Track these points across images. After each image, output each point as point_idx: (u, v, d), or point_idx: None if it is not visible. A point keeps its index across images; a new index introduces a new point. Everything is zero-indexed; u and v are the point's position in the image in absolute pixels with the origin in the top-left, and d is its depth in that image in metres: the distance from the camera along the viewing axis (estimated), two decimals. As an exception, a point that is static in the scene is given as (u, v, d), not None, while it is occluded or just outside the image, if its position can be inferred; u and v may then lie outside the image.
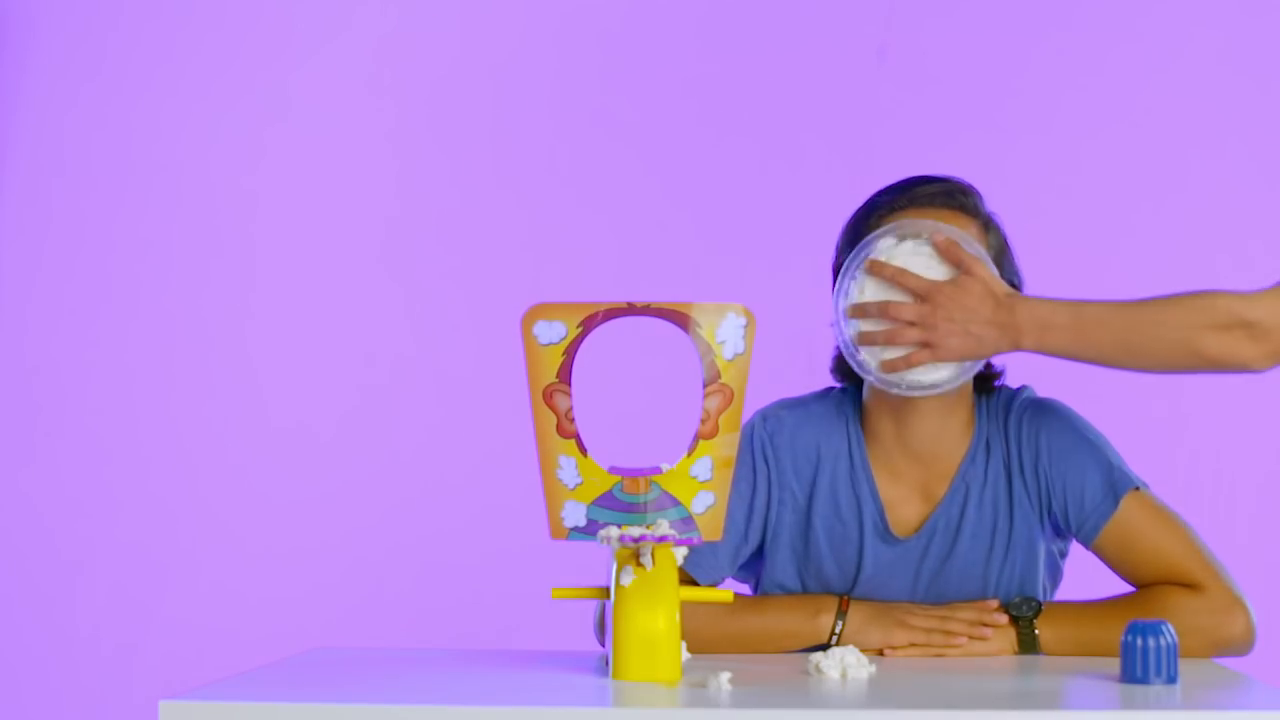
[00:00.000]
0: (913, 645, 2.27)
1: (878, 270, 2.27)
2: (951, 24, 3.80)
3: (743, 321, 2.00)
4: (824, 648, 2.26)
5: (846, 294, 2.30)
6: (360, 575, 3.81)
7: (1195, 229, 3.75)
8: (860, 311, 2.28)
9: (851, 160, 3.66)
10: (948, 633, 2.27)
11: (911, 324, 2.25)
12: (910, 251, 2.28)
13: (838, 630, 2.30)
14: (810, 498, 2.39)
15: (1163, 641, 1.94)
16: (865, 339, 2.28)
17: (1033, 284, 2.40)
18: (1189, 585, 2.30)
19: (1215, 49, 3.76)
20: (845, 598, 2.33)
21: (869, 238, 2.31)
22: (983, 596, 2.36)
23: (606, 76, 3.86)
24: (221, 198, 3.88)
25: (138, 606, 3.84)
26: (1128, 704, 1.85)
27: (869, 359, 2.29)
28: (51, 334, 3.88)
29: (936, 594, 2.37)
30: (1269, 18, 3.75)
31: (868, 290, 2.29)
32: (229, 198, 3.88)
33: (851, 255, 2.31)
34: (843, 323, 2.30)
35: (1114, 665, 2.01)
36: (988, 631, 2.27)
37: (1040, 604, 2.30)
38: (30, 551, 3.87)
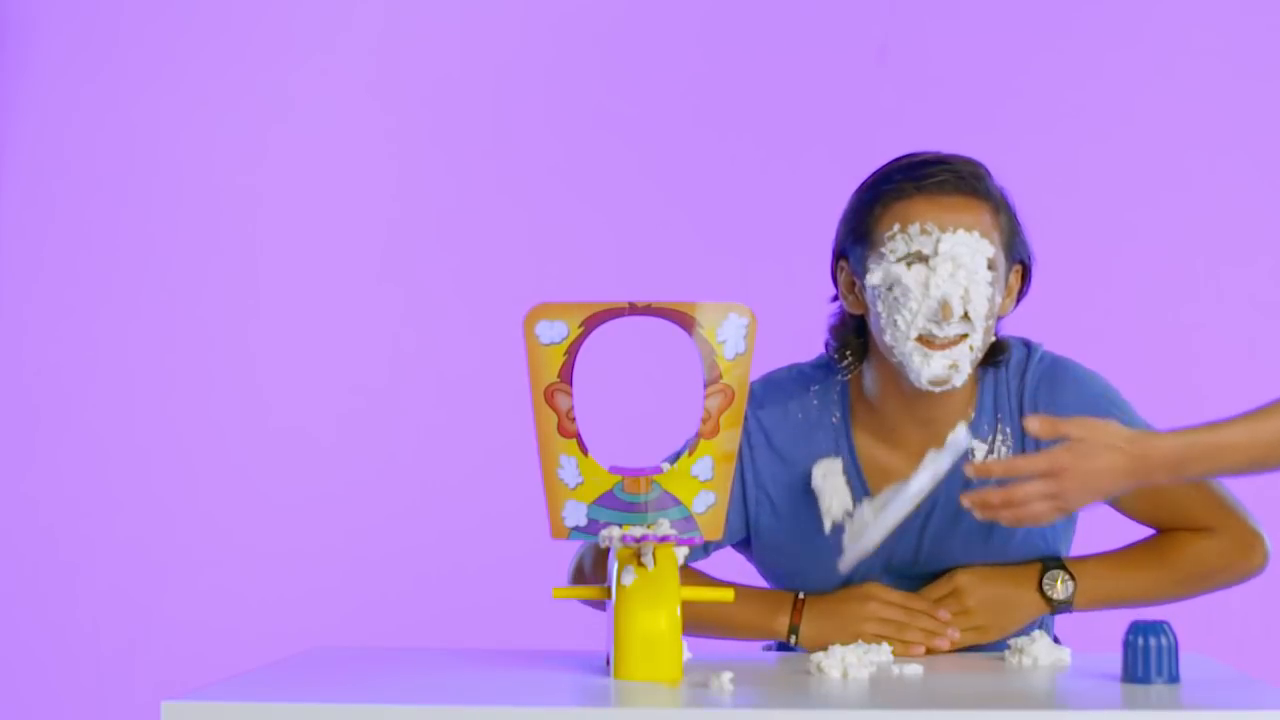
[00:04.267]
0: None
1: (985, 472, 2.11)
2: (952, 24, 3.80)
3: (744, 321, 2.00)
4: (785, 646, 2.30)
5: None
6: (360, 575, 3.81)
7: (1195, 229, 3.74)
8: (982, 504, 2.11)
9: (851, 160, 3.63)
10: (905, 641, 2.26)
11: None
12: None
13: (792, 641, 2.31)
14: (792, 503, 2.35)
15: (1164, 641, 1.94)
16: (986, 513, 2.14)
17: (1033, 284, 2.38)
18: (1207, 529, 2.33)
19: (1215, 49, 3.76)
20: (800, 598, 2.32)
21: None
22: (988, 557, 2.33)
23: (606, 76, 3.85)
24: (223, 198, 3.88)
25: (138, 606, 3.84)
26: (1129, 704, 1.86)
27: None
28: (52, 334, 3.88)
29: (938, 558, 2.35)
30: (1269, 18, 3.75)
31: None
32: (230, 198, 3.88)
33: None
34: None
35: (1115, 665, 2.01)
36: (944, 643, 2.27)
37: (1073, 581, 2.30)
38: (30, 551, 3.86)
